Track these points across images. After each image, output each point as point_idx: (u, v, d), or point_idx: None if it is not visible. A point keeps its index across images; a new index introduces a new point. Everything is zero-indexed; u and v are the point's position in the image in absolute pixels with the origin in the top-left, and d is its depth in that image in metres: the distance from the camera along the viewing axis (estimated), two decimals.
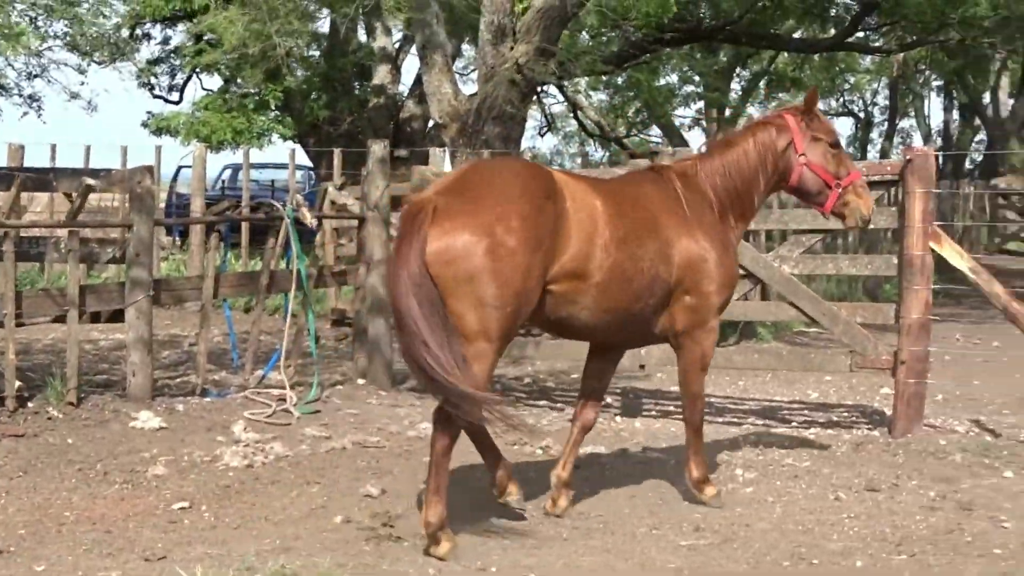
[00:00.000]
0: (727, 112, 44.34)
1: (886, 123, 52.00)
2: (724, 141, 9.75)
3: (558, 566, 8.03)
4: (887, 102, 51.98)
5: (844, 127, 56.73)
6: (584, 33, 31.23)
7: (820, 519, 9.15)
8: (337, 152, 26.81)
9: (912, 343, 11.41)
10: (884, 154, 48.00)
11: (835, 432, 12.04)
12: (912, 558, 8.22)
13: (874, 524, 9.01)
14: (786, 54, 43.60)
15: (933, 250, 11.33)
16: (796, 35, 34.38)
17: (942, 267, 11.70)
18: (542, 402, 13.75)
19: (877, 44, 34.07)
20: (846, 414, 13.04)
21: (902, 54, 40.13)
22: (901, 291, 11.56)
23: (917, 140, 53.29)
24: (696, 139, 45.60)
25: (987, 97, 43.52)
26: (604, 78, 37.80)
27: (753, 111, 50.72)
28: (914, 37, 31.86)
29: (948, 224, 32.82)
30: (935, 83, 49.20)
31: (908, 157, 11.49)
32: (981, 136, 44.02)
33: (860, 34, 32.30)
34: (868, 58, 47.88)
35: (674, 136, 43.94)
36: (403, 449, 11.27)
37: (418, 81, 28.87)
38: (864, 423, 12.51)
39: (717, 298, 9.18)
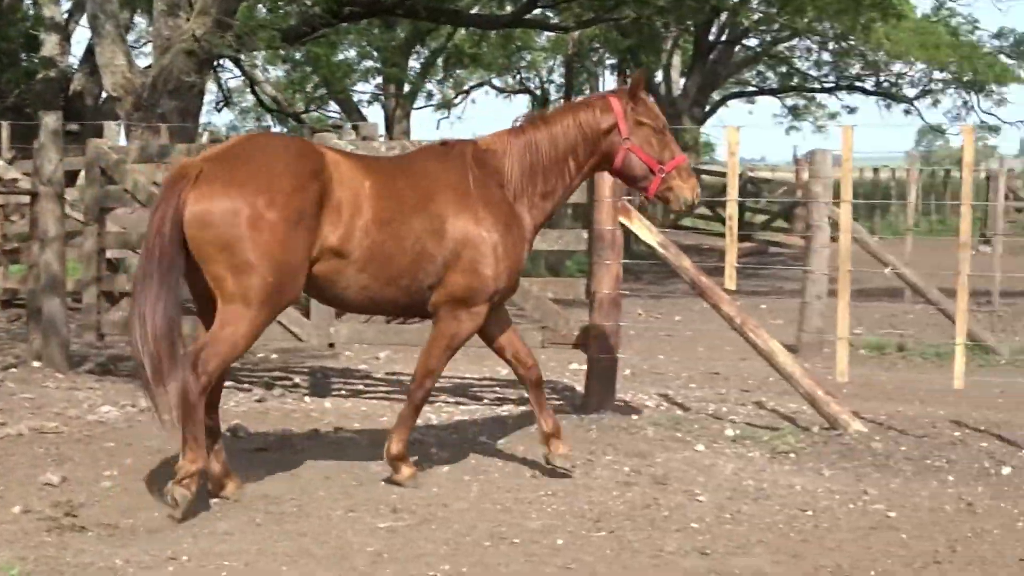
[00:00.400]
0: (406, 88, 44.26)
1: (562, 100, 52.61)
2: (541, 117, 9.43)
3: (252, 552, 7.72)
4: (563, 80, 52.56)
5: (521, 105, 57.20)
6: (261, 6, 30.70)
7: (518, 497, 9.05)
8: (4, 125, 25.64)
9: (603, 318, 11.42)
10: None
11: (528, 409, 11.93)
12: (612, 534, 8.19)
13: (572, 501, 8.95)
14: (464, 30, 43.71)
15: (622, 224, 11.35)
16: (474, 11, 34.38)
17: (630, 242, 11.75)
18: (228, 383, 13.28)
19: (555, 22, 34.43)
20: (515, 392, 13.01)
21: (577, 32, 40.64)
22: (592, 266, 11.54)
23: None
24: (375, 114, 45.44)
25: (659, 76, 44.42)
26: (282, 52, 37.20)
27: (431, 87, 50.95)
28: (591, 15, 32.26)
29: (630, 199, 33.45)
30: (609, 61, 49.99)
31: None
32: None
33: (538, 11, 32.55)
34: (544, 36, 48.42)
35: (352, 111, 43.69)
36: (83, 434, 10.77)
37: (90, 53, 27.82)
38: (556, 399, 12.46)
39: (492, 283, 9.02)
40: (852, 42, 39.70)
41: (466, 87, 56.90)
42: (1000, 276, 17.82)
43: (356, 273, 8.71)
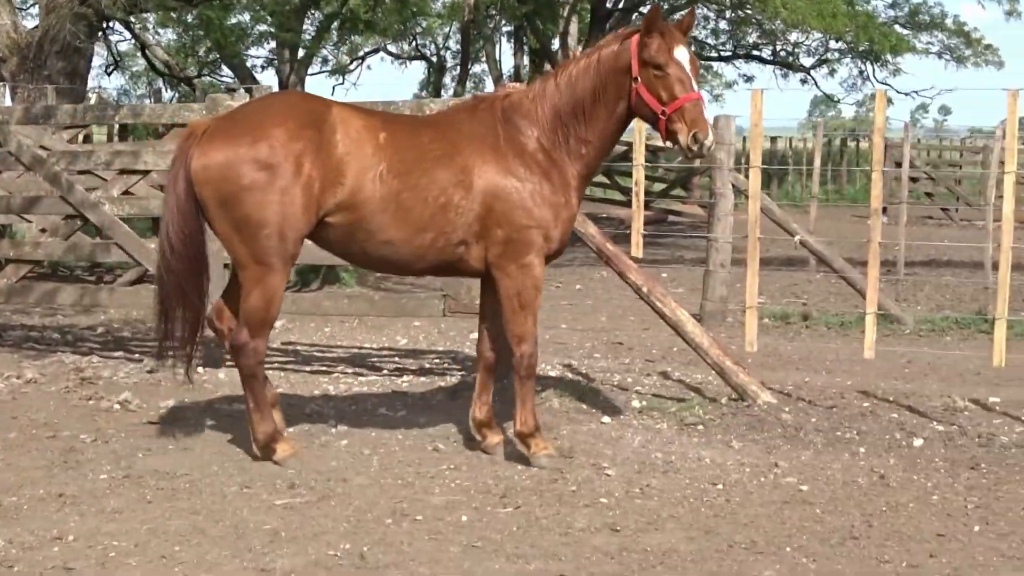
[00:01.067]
0: (300, 53, 43.62)
1: (458, 68, 52.24)
2: (568, 60, 9.22)
3: (142, 532, 7.42)
4: (459, 47, 52.15)
5: (417, 72, 56.88)
6: None
7: (420, 471, 8.78)
8: None
9: None
10: (457, 96, 48.12)
11: (429, 380, 11.69)
12: (518, 510, 7.95)
13: (476, 475, 8.70)
14: None
15: None
16: None
17: None
18: (118, 353, 12.90)
19: None
20: (438, 360, 12.70)
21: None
22: None
23: (489, 85, 53.73)
24: (269, 79, 44.67)
25: (556, 43, 44.14)
26: (174, 15, 36.53)
27: (326, 52, 50.34)
28: None
29: None
30: (505, 28, 49.60)
31: (497, 93, 11.13)
32: None
33: None
34: (440, 1, 48.03)
35: (246, 77, 42.89)
36: None
37: None
38: (457, 369, 12.18)
39: (535, 234, 8.78)
40: (749, 11, 39.57)
41: (361, 53, 56.34)
42: (904, 245, 17.72)
43: (374, 226, 8.61)
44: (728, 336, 13.54)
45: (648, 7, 37.59)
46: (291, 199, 8.38)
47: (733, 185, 15.26)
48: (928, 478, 8.82)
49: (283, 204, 8.37)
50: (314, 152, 8.40)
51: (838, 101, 52.14)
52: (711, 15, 44.14)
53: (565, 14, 43.25)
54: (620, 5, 42.38)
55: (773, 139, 46.86)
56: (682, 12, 44.22)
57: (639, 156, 11.50)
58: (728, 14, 43.00)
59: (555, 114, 8.83)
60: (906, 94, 43.84)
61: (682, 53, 8.63)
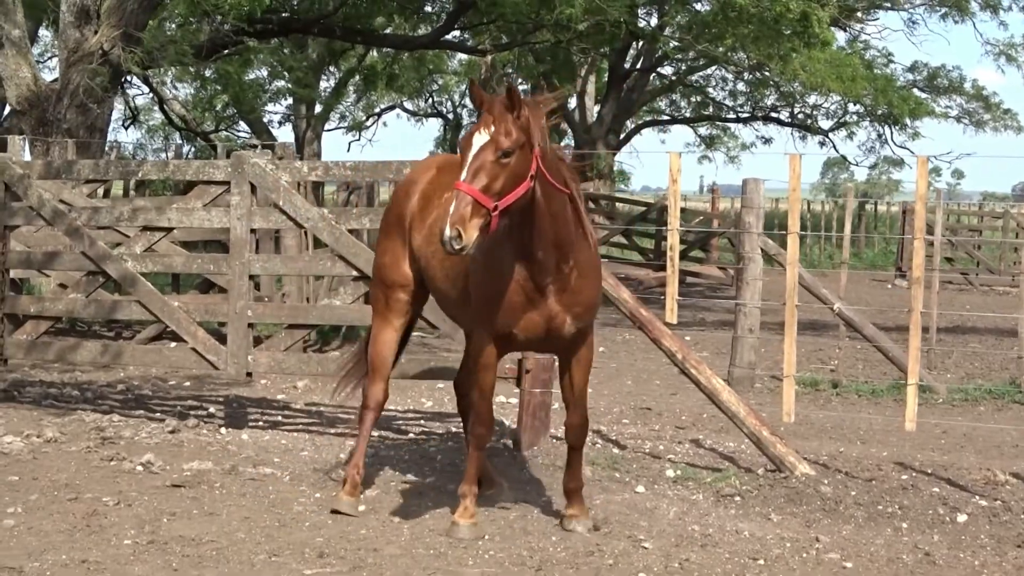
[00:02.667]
0: (317, 109, 43.67)
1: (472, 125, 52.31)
2: None
3: None
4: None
5: (433, 128, 56.93)
6: (171, 23, 30.02)
7: (452, 542, 8.55)
8: None
9: None
10: None
11: (456, 444, 11.47)
12: None
13: (510, 546, 8.49)
14: (376, 52, 43.20)
15: None
16: (388, 31, 33.83)
17: None
18: (138, 412, 12.71)
19: (471, 44, 34.02)
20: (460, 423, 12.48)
21: (491, 57, 40.30)
22: None
23: None
24: (285, 135, 44.67)
25: (574, 102, 44.18)
26: (192, 70, 36.54)
27: (343, 108, 50.38)
28: (508, 38, 31.89)
29: None
30: (522, 86, 49.58)
31: None
32: (568, 140, 44.64)
33: (455, 33, 32.14)
34: (457, 59, 48.13)
35: (262, 132, 42.99)
36: None
37: None
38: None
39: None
40: (767, 73, 39.57)
41: (377, 110, 56.40)
42: (936, 312, 17.52)
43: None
44: (758, 403, 13.28)
45: (665, 66, 37.19)
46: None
47: (762, 249, 15.08)
48: (975, 556, 8.60)
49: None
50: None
51: (856, 164, 51.74)
52: (729, 77, 44.25)
53: (583, 73, 43.30)
54: (639, 65, 42.38)
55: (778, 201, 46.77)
56: (700, 74, 44.51)
57: (674, 220, 11.31)
58: (746, 76, 43.03)
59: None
60: (930, 158, 43.70)
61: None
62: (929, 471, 10.91)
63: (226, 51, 31.08)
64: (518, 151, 7.95)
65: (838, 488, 10.10)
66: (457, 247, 7.75)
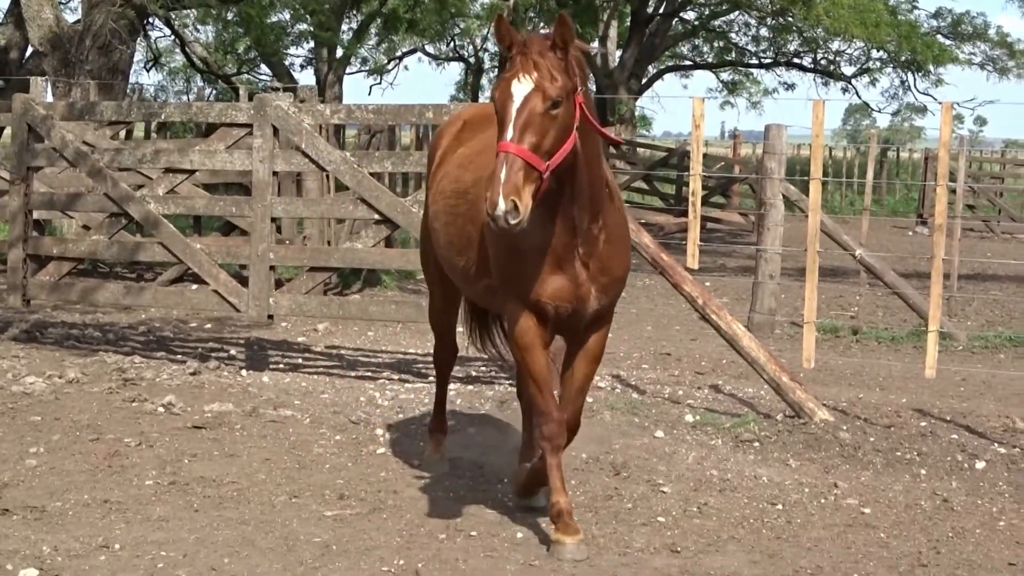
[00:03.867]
0: (339, 52, 43.46)
1: (496, 69, 52.13)
2: None
3: (190, 542, 7.26)
4: (497, 49, 52.01)
5: (454, 72, 56.67)
6: None
7: (472, 485, 8.58)
8: None
9: None
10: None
11: (476, 388, 11.48)
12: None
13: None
14: None
15: None
16: None
17: None
18: (160, 354, 12.73)
19: None
20: (484, 368, 12.46)
21: (512, 0, 40.11)
22: None
23: None
24: (307, 78, 44.55)
25: (596, 46, 43.98)
26: (214, 12, 36.42)
27: (364, 52, 50.19)
28: None
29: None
30: (544, 30, 49.34)
31: None
32: (592, 85, 44.47)
33: None
34: (479, 3, 47.81)
35: (284, 75, 42.83)
36: (7, 407, 10.22)
37: (15, 4, 26.94)
38: (504, 378, 11.94)
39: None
40: (791, 18, 39.31)
41: (399, 53, 56.14)
42: (958, 260, 17.42)
43: None
44: (778, 349, 13.24)
45: (688, 11, 37.09)
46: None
47: (784, 196, 15.00)
48: (993, 503, 8.58)
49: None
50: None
51: (879, 111, 51.47)
52: (752, 22, 43.98)
53: (605, 17, 43.08)
54: (661, 10, 42.16)
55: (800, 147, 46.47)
56: (723, 19, 44.36)
57: (696, 165, 11.26)
58: (769, 21, 42.77)
59: None
60: (953, 105, 43.44)
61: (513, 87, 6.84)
62: (948, 418, 10.87)
63: None
64: (566, 100, 6.76)
65: (856, 434, 10.05)
66: (513, 222, 6.51)
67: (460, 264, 7.82)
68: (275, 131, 11.62)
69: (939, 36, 43.90)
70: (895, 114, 54.70)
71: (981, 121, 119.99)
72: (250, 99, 14.53)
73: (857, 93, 47.04)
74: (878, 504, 8.44)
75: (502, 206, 6.45)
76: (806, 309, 10.76)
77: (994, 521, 8.19)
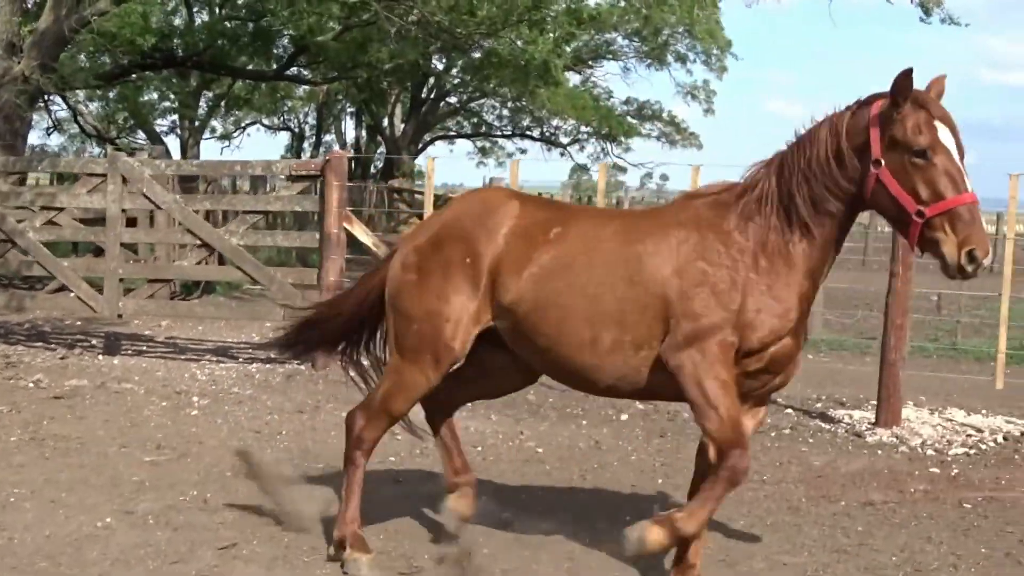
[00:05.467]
0: (196, 123, 42.62)
1: (315, 136, 51.59)
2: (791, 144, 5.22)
3: (39, 482, 7.01)
4: (315, 121, 51.55)
5: (283, 141, 55.82)
6: (82, 54, 28.92)
7: (258, 437, 8.49)
8: None
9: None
10: (313, 158, 47.39)
11: (272, 367, 11.33)
12: (330, 466, 7.68)
13: (300, 441, 8.43)
14: (241, 82, 42.19)
15: (346, 229, 10.79)
16: (250, 67, 32.96)
17: (353, 242, 11.18)
18: (38, 344, 12.30)
19: (308, 77, 33.66)
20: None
21: (326, 86, 39.78)
22: (322, 259, 10.94)
23: (337, 150, 53.00)
24: (172, 142, 43.31)
25: (386, 121, 43.86)
26: (99, 91, 35.34)
27: (216, 123, 49.19)
28: (334, 73, 31.56)
29: (358, 210, 32.75)
30: (349, 109, 49.02)
31: (328, 158, 10.89)
32: (382, 149, 44.17)
33: (295, 69, 31.73)
34: (303, 88, 47.26)
35: (156, 139, 41.73)
36: None
37: None
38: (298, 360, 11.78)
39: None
40: (523, 103, 39.81)
41: (243, 124, 55.07)
42: None
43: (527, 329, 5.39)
44: None
45: (451, 96, 36.98)
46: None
47: None
48: (629, 443, 8.79)
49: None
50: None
51: (588, 168, 51.97)
52: (497, 104, 44.32)
53: (392, 100, 42.94)
54: (432, 95, 42.22)
55: (539, 194, 46.77)
56: (477, 102, 44.89)
57: (428, 207, 11.27)
58: (509, 104, 43.21)
59: (768, 210, 5.12)
60: (635, 165, 44.45)
61: (948, 135, 4.81)
62: None
63: (125, 78, 30.07)
64: None
65: (540, 395, 10.16)
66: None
67: (595, 346, 5.18)
68: (123, 179, 11.34)
69: (628, 117, 44.73)
70: (608, 167, 55.54)
71: (665, 177, 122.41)
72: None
73: (571, 156, 47.56)
74: (549, 446, 8.56)
75: (989, 257, 4.72)
76: None
77: (627, 456, 8.39)
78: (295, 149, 51.89)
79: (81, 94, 34.68)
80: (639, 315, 5.11)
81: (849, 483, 7.75)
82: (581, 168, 61.70)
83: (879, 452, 8.72)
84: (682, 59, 41.89)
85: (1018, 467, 8.37)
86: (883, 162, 4.84)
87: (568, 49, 32.03)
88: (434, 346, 5.41)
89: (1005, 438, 9.15)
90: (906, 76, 4.75)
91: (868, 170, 4.88)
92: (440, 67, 35.35)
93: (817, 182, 5.01)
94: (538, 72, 26.17)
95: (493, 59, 26.92)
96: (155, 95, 42.49)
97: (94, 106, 41.34)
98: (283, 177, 11.40)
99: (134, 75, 29.83)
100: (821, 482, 7.76)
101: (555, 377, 5.62)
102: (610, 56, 42.14)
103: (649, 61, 41.76)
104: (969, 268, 4.68)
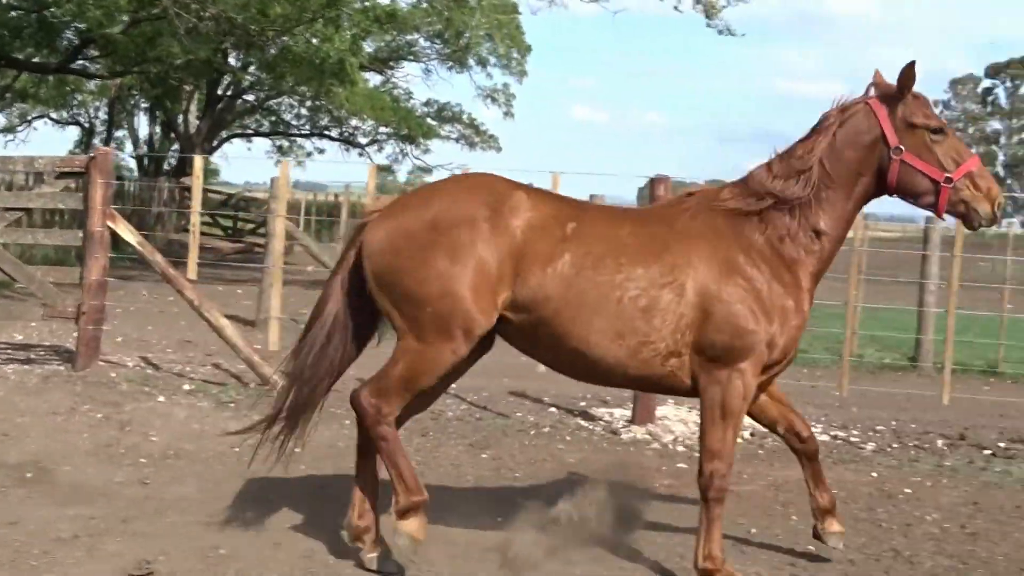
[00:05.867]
0: None
1: (106, 132, 50.00)
2: (789, 148, 5.79)
3: None
4: (107, 116, 49.99)
5: (72, 135, 53.80)
6: None
7: (4, 439, 8.23)
8: None
9: (92, 297, 10.55)
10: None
11: (30, 367, 10.95)
12: (73, 469, 7.52)
13: (49, 442, 8.18)
14: (26, 73, 40.61)
15: (110, 227, 10.51)
16: (35, 59, 31.66)
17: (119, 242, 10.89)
18: None
19: (95, 71, 32.61)
20: (43, 353, 11.88)
21: (119, 80, 38.66)
22: (85, 258, 10.63)
23: (129, 147, 51.51)
24: None
25: (181, 118, 42.86)
26: None
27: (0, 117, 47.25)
28: (122, 67, 30.67)
29: (147, 209, 32.02)
30: (143, 104, 47.71)
31: (93, 155, 10.58)
32: (176, 146, 43.12)
33: (81, 63, 30.69)
34: (94, 81, 45.79)
35: None
36: None
37: None
38: (56, 360, 11.43)
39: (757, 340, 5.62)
40: (321, 101, 39.50)
41: (29, 117, 52.95)
42: None
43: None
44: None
45: (249, 93, 36.20)
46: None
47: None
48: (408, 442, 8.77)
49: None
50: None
51: (392, 170, 51.61)
52: (295, 103, 43.85)
53: (186, 96, 42.00)
54: (229, 92, 41.45)
55: (336, 195, 46.62)
56: (275, 100, 44.31)
57: (196, 204, 11.19)
58: (308, 103, 42.81)
59: (788, 220, 5.65)
60: (433, 167, 44.75)
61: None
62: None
63: None
64: None
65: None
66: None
67: (622, 347, 5.50)
68: None
69: (429, 119, 44.89)
70: (410, 172, 55.53)
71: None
72: None
73: (370, 157, 47.41)
74: (309, 445, 8.46)
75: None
76: (272, 306, 10.82)
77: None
78: (85, 144, 50.25)
79: None
80: (674, 323, 5.46)
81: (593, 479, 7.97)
82: (385, 169, 61.73)
83: (631, 448, 9.02)
84: (483, 62, 42.37)
85: (762, 461, 8.77)
86: (903, 148, 5.58)
87: (367, 48, 31.98)
88: (460, 321, 5.46)
89: (752, 434, 9.57)
90: (911, 68, 5.55)
91: (889, 159, 5.60)
92: (235, 64, 34.70)
93: (837, 187, 5.64)
94: (333, 70, 26.00)
95: (288, 56, 26.61)
96: None
97: None
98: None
99: None
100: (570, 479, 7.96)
101: (567, 372, 5.81)
102: (411, 57, 42.30)
103: (451, 64, 42.07)
104: (999, 214, 5.65)
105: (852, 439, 9.78)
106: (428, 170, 54.68)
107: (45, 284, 10.80)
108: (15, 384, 10.12)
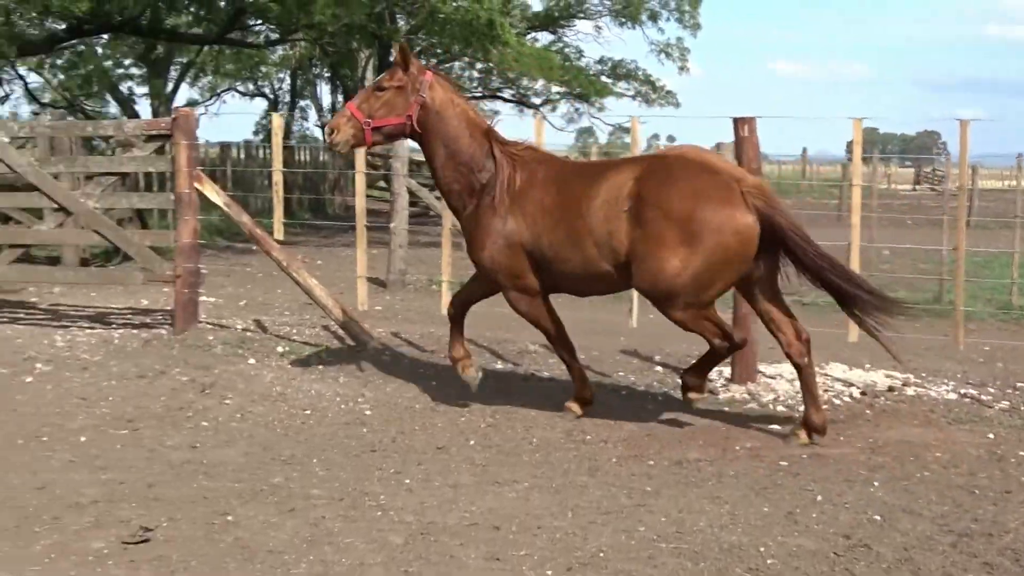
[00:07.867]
0: (169, 88, 42.25)
1: (290, 101, 51.18)
2: None
3: None
4: (290, 86, 51.14)
5: (258, 107, 55.06)
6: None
7: (82, 399, 8.26)
8: None
9: (185, 261, 10.47)
10: (288, 127, 46.79)
11: (137, 332, 10.98)
12: (133, 432, 7.45)
13: (121, 405, 8.19)
14: (207, 48, 41.73)
15: (197, 189, 10.41)
16: (193, 31, 32.17)
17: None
18: None
19: (250, 40, 33.17)
20: (159, 316, 11.93)
21: (297, 52, 39.32)
22: (176, 220, 10.56)
23: (313, 116, 52.56)
24: (144, 108, 42.72)
25: (358, 85, 43.43)
26: (47, 60, 34.88)
27: (195, 92, 48.94)
28: (276, 36, 31.07)
29: (323, 172, 32.46)
30: (326, 73, 48.58)
31: (174, 116, 10.46)
32: None
33: (237, 33, 31.13)
34: (276, 52, 46.79)
35: (126, 105, 41.36)
36: None
37: None
38: (160, 322, 11.43)
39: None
40: (491, 63, 39.31)
41: (219, 91, 54.57)
42: None
43: None
44: (401, 298, 13.00)
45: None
46: None
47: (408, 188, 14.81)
48: (432, 405, 8.38)
49: None
50: None
51: (564, 131, 51.29)
52: (464, 66, 43.80)
53: (362, 64, 42.49)
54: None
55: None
56: (444, 66, 44.23)
57: (277, 163, 10.91)
58: (478, 65, 42.71)
59: None
60: (610, 124, 44.23)
61: None
62: (483, 343, 10.56)
63: (60, 45, 29.44)
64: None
65: (396, 357, 9.83)
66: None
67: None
68: None
69: (602, 77, 44.20)
70: (611, 133, 54.89)
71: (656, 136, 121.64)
72: None
73: (545, 117, 47.05)
74: (382, 407, 8.25)
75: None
76: (359, 268, 10.56)
77: (457, 418, 8.07)
78: (269, 115, 51.45)
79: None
80: None
81: (674, 441, 7.44)
82: (589, 130, 61.16)
83: (727, 409, 8.42)
84: (654, 17, 41.46)
85: (867, 422, 8.05)
86: None
87: (536, 6, 31.48)
88: None
89: (863, 393, 8.84)
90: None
91: None
92: (393, 27, 34.75)
93: None
94: (483, 31, 25.69)
95: (439, 16, 26.45)
96: (128, 62, 42.13)
97: (43, 74, 40.89)
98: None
99: (75, 41, 29.24)
100: (645, 440, 7.45)
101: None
102: (582, 15, 41.70)
103: (622, 20, 41.28)
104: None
105: (984, 397, 8.87)
106: (591, 130, 54.05)
107: (143, 248, 10.79)
108: (116, 348, 10.17)
